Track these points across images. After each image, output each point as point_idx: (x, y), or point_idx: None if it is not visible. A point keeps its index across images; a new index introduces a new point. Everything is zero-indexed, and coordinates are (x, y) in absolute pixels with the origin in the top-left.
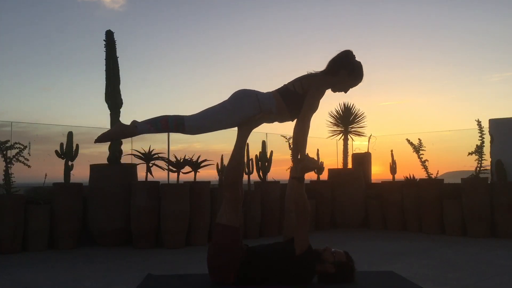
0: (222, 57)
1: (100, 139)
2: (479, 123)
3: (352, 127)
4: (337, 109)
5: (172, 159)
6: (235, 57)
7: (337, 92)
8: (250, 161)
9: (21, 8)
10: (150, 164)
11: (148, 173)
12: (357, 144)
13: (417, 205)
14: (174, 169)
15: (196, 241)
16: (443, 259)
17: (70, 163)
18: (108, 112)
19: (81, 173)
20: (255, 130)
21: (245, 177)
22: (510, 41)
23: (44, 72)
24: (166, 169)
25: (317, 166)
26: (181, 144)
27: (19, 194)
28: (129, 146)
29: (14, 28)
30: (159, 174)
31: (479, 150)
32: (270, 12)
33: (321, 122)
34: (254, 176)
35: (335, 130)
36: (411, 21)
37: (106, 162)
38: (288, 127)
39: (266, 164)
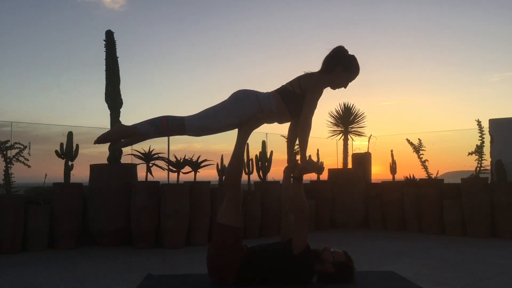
0: (222, 57)
1: (100, 140)
2: (479, 123)
3: (352, 127)
4: (337, 109)
5: (172, 159)
6: (235, 57)
7: (337, 89)
8: (250, 161)
9: (21, 8)
10: (150, 164)
11: (148, 173)
12: (357, 144)
13: (417, 205)
14: (174, 169)
15: (196, 241)
16: (443, 259)
17: (70, 163)
18: (108, 112)
19: (81, 173)
20: (255, 130)
21: (245, 177)
22: (510, 41)
23: (44, 72)
24: (166, 169)
25: (317, 168)
26: (181, 144)
27: (19, 194)
28: (129, 146)
29: (14, 28)
30: (159, 174)
31: (479, 150)
32: (270, 12)
33: (321, 122)
34: (254, 176)
35: (335, 130)
36: (411, 21)
37: (106, 162)
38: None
39: (266, 164)
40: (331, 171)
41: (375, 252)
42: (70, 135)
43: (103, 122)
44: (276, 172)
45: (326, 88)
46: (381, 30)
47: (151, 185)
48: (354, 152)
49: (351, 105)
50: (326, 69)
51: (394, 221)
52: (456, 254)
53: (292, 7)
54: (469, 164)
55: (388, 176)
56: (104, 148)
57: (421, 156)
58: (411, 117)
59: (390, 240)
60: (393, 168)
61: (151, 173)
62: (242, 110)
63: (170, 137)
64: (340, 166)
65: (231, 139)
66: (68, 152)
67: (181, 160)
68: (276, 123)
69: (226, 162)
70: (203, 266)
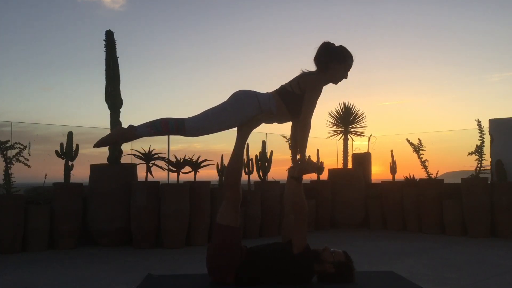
0: (223, 57)
1: (100, 143)
2: (479, 123)
3: (352, 127)
4: (337, 109)
5: (172, 159)
6: (236, 57)
7: (340, 82)
8: (250, 161)
9: (21, 8)
10: (150, 164)
11: (148, 173)
12: (357, 144)
13: (417, 205)
14: (174, 169)
15: (196, 241)
16: (443, 259)
17: (70, 163)
18: (108, 112)
19: (81, 173)
20: (255, 130)
21: (245, 177)
22: (510, 41)
23: (44, 72)
24: (166, 169)
25: (316, 168)
26: (181, 144)
27: (19, 194)
28: (129, 146)
29: (14, 28)
30: (159, 174)
31: (479, 150)
32: (270, 12)
33: (321, 122)
34: (254, 176)
35: (335, 130)
36: (411, 21)
37: (106, 162)
38: (288, 127)
39: (266, 164)
40: (331, 171)
41: (375, 252)
42: (70, 135)
43: (103, 122)
44: (276, 172)
45: (327, 85)
46: (381, 30)
47: (151, 185)
48: (354, 152)
49: (351, 105)
50: (321, 68)
51: (394, 221)
52: (456, 254)
53: (292, 7)
54: (469, 164)
55: (388, 176)
56: (104, 148)
57: (421, 156)
58: (411, 117)
59: (390, 240)
60: (393, 168)
61: (151, 173)
62: (243, 111)
63: (170, 137)
64: (340, 166)
65: (231, 139)
66: (68, 152)
67: (181, 160)
68: (276, 123)
69: (226, 162)
70: (203, 266)
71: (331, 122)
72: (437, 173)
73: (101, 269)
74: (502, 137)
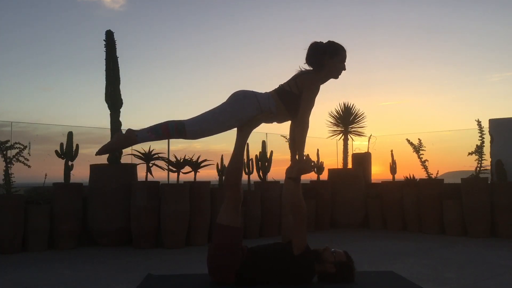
0: (222, 57)
1: (101, 151)
2: (479, 123)
3: (352, 127)
4: (337, 109)
5: (172, 159)
6: (235, 57)
7: (340, 76)
8: (250, 161)
9: (21, 8)
10: (150, 164)
11: (148, 173)
12: (357, 144)
13: (417, 205)
14: (174, 169)
15: (196, 241)
16: (443, 259)
17: (70, 163)
18: (108, 112)
19: (81, 173)
20: (255, 130)
21: (245, 177)
22: (510, 41)
23: (44, 72)
24: (166, 169)
25: (314, 167)
26: (181, 144)
27: (19, 194)
28: (129, 146)
29: (14, 28)
30: (159, 174)
31: (479, 150)
32: (270, 12)
33: (321, 122)
34: (254, 176)
35: (335, 130)
36: (411, 21)
37: (106, 162)
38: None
39: (266, 164)
40: (331, 171)
41: (375, 252)
42: (70, 135)
43: (103, 122)
44: (276, 172)
45: (327, 85)
46: (381, 30)
47: (151, 185)
48: (354, 152)
49: (351, 105)
50: (317, 68)
51: (394, 221)
52: (456, 254)
53: (292, 7)
54: (469, 164)
55: (388, 176)
56: None
57: (421, 156)
58: (411, 117)
59: (390, 240)
60: (393, 168)
61: (151, 173)
62: (242, 112)
63: (171, 138)
64: (340, 166)
65: (231, 139)
66: (68, 152)
67: (181, 160)
68: (276, 122)
69: (226, 162)
70: (203, 266)
71: (331, 122)
72: (437, 173)
73: (101, 269)
74: (502, 137)
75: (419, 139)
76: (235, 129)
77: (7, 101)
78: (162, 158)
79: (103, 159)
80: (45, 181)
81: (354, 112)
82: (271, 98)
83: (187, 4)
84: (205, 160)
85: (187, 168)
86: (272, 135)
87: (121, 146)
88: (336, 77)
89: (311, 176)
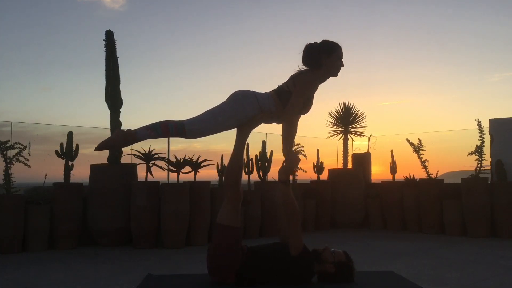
0: (222, 57)
1: (100, 147)
2: (479, 123)
3: (352, 127)
4: (337, 109)
5: (172, 159)
6: (235, 57)
7: (339, 73)
8: (250, 161)
9: (21, 8)
10: (150, 164)
11: (148, 173)
12: (357, 144)
13: (417, 205)
14: (174, 169)
15: (196, 241)
16: (443, 259)
17: (70, 163)
18: (108, 112)
19: (81, 173)
20: (255, 130)
21: (245, 177)
22: (510, 41)
23: (44, 72)
24: (166, 169)
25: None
26: (181, 144)
27: (19, 194)
28: (129, 146)
29: (14, 28)
30: (159, 174)
31: (479, 150)
32: (270, 12)
33: (321, 122)
34: (254, 176)
35: (335, 130)
36: (411, 21)
37: (106, 162)
38: None
39: (266, 164)
40: (331, 171)
41: (375, 252)
42: (70, 135)
43: (103, 122)
44: (276, 172)
45: (327, 84)
46: (381, 30)
47: (151, 185)
48: (354, 152)
49: (351, 105)
50: (314, 67)
51: (394, 221)
52: (456, 254)
53: (292, 7)
54: (469, 164)
55: (388, 176)
56: None
57: (421, 156)
58: (411, 117)
59: (390, 240)
60: (393, 168)
61: (151, 173)
62: (242, 112)
63: (170, 138)
64: (340, 166)
65: (231, 139)
66: (68, 152)
67: (181, 160)
68: (275, 123)
69: (226, 162)
70: (203, 266)
71: (331, 122)
72: (437, 173)
73: (101, 269)
74: (502, 137)
75: (419, 139)
76: (235, 129)
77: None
78: (162, 158)
79: (103, 159)
80: (45, 181)
81: (354, 112)
82: (270, 98)
83: (187, 4)
84: (205, 160)
85: (187, 168)
86: (272, 135)
87: (120, 142)
88: (335, 74)
89: (311, 176)
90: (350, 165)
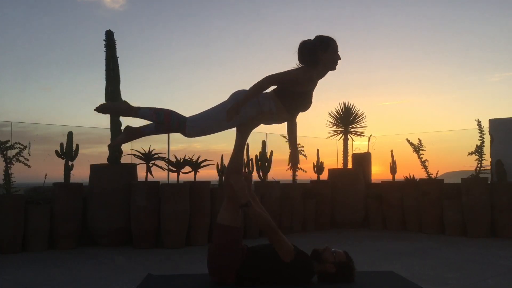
0: (222, 57)
1: (102, 108)
2: (479, 123)
3: (352, 127)
4: (337, 109)
5: (172, 159)
6: (235, 57)
7: (337, 67)
8: (250, 161)
9: (21, 8)
10: (150, 164)
11: (148, 173)
12: (357, 144)
13: (417, 205)
14: (174, 169)
15: (196, 241)
16: (443, 259)
17: (70, 163)
18: None
19: (81, 173)
20: (255, 130)
21: None
22: (510, 41)
23: (44, 72)
24: (166, 169)
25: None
26: (181, 144)
27: (19, 194)
28: (129, 146)
29: (14, 28)
30: (159, 174)
31: (479, 150)
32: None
33: (321, 122)
34: (254, 176)
35: (335, 130)
36: (412, 22)
37: (106, 162)
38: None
39: (266, 164)
40: (331, 171)
41: (375, 252)
42: (70, 135)
43: (103, 122)
44: (276, 172)
45: (327, 84)
46: (381, 30)
47: (151, 185)
48: (354, 152)
49: (351, 105)
50: (311, 65)
51: (394, 221)
52: (456, 254)
53: (292, 7)
54: (469, 164)
55: (388, 176)
56: (104, 148)
57: (421, 156)
58: (411, 117)
59: (390, 240)
60: (393, 168)
61: (151, 173)
62: (243, 111)
63: (170, 137)
64: (340, 166)
65: (231, 139)
66: (68, 152)
67: (181, 160)
68: (275, 123)
69: (226, 162)
70: (203, 266)
71: (331, 122)
72: (437, 173)
73: (101, 269)
74: (502, 137)
75: (419, 139)
76: (235, 129)
77: (7, 101)
78: (162, 158)
79: (103, 159)
80: (45, 181)
81: (354, 112)
82: (271, 99)
83: (187, 4)
84: (205, 160)
85: (187, 168)
86: (272, 135)
87: (122, 112)
88: (334, 68)
89: (311, 176)
90: (350, 165)
